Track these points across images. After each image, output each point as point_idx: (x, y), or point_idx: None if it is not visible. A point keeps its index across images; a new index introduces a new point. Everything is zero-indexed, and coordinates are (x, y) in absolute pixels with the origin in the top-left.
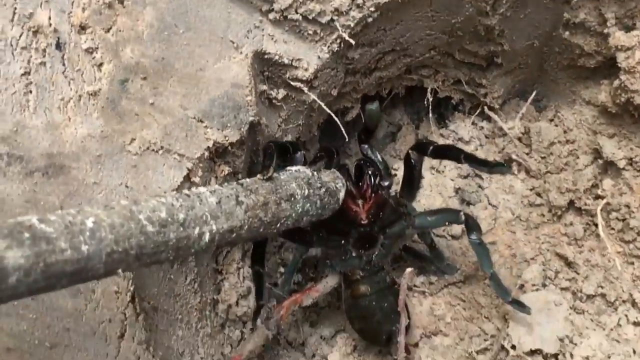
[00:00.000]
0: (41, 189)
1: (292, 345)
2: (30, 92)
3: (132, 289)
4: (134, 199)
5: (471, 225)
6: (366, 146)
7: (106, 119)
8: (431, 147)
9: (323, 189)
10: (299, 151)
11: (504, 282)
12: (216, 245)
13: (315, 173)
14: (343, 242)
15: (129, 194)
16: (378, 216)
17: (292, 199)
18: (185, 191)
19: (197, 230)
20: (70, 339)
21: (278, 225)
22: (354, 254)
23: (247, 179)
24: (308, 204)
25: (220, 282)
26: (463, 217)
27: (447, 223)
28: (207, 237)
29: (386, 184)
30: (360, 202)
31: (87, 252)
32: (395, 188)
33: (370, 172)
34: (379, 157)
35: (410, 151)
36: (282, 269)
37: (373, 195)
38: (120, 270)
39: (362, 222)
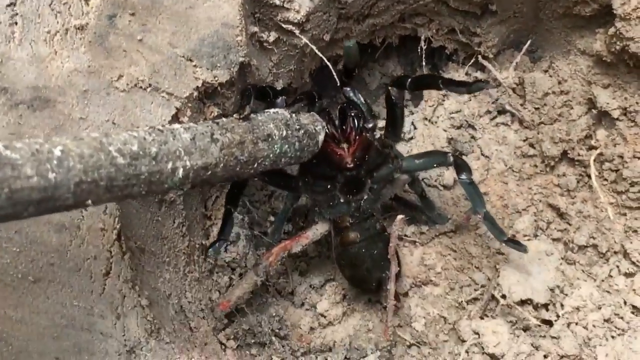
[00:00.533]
0: (26, 121)
1: (281, 294)
2: (16, 23)
3: (118, 226)
4: (105, 132)
5: (460, 165)
6: (348, 89)
7: (93, 54)
8: (409, 80)
9: (302, 131)
10: (279, 96)
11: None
12: (191, 183)
13: (293, 115)
14: (330, 187)
15: (116, 131)
16: (364, 159)
17: (270, 139)
18: (158, 127)
19: (170, 165)
20: (54, 274)
21: (255, 165)
22: (342, 200)
23: (224, 119)
24: (286, 145)
25: (209, 228)
26: (451, 159)
27: (435, 165)
28: (180, 172)
29: (370, 125)
30: (345, 145)
31: (54, 180)
32: (382, 133)
33: (352, 115)
34: (361, 99)
35: (389, 87)
36: (272, 218)
37: (357, 137)
38: (90, 201)
39: (348, 165)
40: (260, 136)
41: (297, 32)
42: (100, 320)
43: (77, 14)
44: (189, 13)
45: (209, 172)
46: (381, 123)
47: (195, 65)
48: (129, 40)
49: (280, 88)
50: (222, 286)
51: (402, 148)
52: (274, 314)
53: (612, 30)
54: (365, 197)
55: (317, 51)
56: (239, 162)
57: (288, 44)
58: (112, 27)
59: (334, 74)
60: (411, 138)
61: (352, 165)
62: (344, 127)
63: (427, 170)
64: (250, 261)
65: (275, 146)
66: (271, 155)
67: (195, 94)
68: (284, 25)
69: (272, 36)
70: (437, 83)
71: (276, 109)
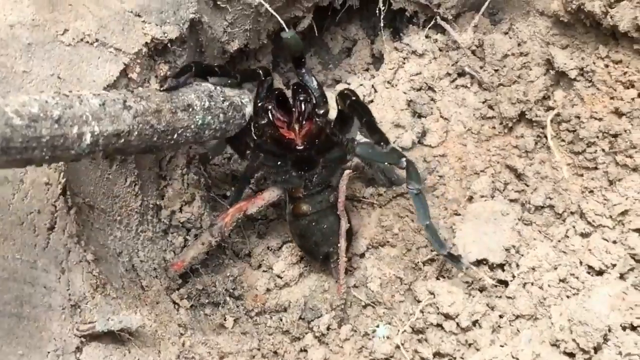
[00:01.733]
0: None
1: (238, 255)
2: None
3: (63, 181)
4: (2, 95)
5: (411, 173)
6: (303, 71)
7: (37, 7)
8: (348, 101)
9: (226, 103)
10: (228, 75)
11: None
12: (103, 151)
13: (217, 87)
14: (281, 163)
15: (61, 85)
16: (314, 143)
17: (190, 109)
18: (64, 92)
19: (75, 130)
20: None
21: (175, 135)
22: (294, 174)
23: (140, 88)
24: (209, 117)
25: (163, 188)
26: (404, 163)
27: (386, 163)
28: (88, 137)
29: (321, 111)
30: (296, 126)
31: None
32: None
33: (302, 98)
34: (314, 84)
35: (337, 97)
36: (229, 181)
37: (307, 121)
38: None
39: (298, 147)
40: (179, 106)
41: None
42: (44, 274)
43: None
44: None
45: (122, 140)
46: None
47: (144, 21)
48: None
49: (234, 49)
50: (177, 247)
51: None
52: (228, 275)
53: None
54: (318, 172)
55: (270, 10)
56: (155, 131)
57: (242, 3)
58: None
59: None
60: (371, 101)
61: (302, 148)
62: (294, 109)
63: (379, 162)
64: (205, 222)
65: (197, 117)
66: (192, 126)
67: (145, 50)
68: None
69: None
70: (361, 119)
71: (199, 82)
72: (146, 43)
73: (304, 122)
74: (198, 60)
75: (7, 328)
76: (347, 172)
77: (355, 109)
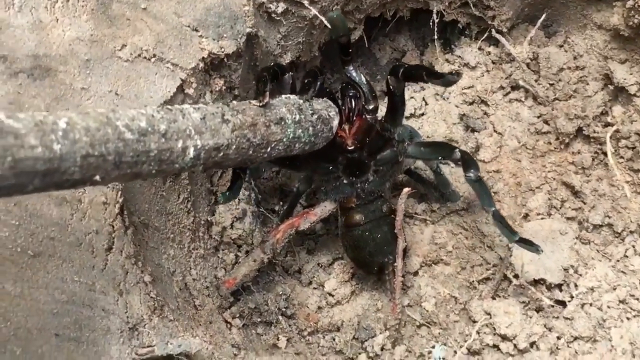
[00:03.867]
0: (26, 91)
1: (288, 272)
2: None
3: (120, 200)
4: (112, 108)
5: (467, 161)
6: (350, 67)
7: (96, 23)
8: (401, 70)
9: (315, 116)
10: (286, 73)
11: (508, 218)
12: (203, 164)
13: (306, 100)
14: (332, 168)
15: (119, 101)
16: (365, 141)
17: (283, 122)
18: (167, 106)
19: (180, 144)
20: (54, 248)
21: (269, 149)
22: (345, 181)
23: (234, 101)
24: (300, 130)
25: (214, 204)
26: (458, 154)
27: (440, 158)
28: (191, 151)
29: (371, 107)
30: (346, 127)
31: (59, 151)
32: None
33: (351, 95)
34: (363, 79)
35: (388, 77)
36: (279, 195)
37: (357, 119)
38: (98, 177)
39: (349, 147)
40: (272, 119)
41: (306, 3)
42: (102, 296)
43: None
44: None
45: (221, 154)
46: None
47: (201, 36)
48: (132, 8)
49: (286, 62)
50: (228, 264)
51: (413, 124)
52: (280, 293)
53: (630, 2)
54: (370, 179)
55: (326, 22)
56: (251, 144)
57: (297, 16)
58: None
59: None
60: (422, 114)
61: (352, 147)
62: (343, 107)
63: (432, 159)
64: (256, 238)
65: (289, 130)
66: (284, 140)
67: (201, 65)
68: None
69: (281, 7)
70: (422, 75)
71: (288, 95)
72: (203, 58)
73: (353, 119)
74: (265, 66)
75: (67, 353)
76: (405, 190)
77: (411, 73)
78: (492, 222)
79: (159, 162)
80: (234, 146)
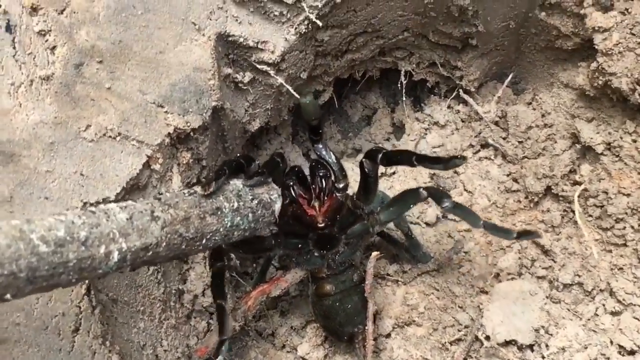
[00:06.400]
0: None
1: (261, 335)
2: None
3: (87, 281)
4: (27, 219)
5: (436, 195)
6: (320, 146)
7: (60, 105)
8: (380, 155)
9: (255, 201)
10: (253, 163)
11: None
12: (131, 266)
13: (245, 185)
14: (303, 244)
15: (84, 182)
16: (335, 219)
17: (219, 212)
18: (91, 208)
19: (102, 249)
20: (20, 333)
21: (204, 241)
22: (316, 254)
23: (167, 194)
24: (238, 218)
25: (186, 272)
26: (425, 194)
27: (412, 205)
28: (115, 255)
29: (341, 185)
30: (316, 204)
31: None
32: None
33: (321, 174)
34: (332, 157)
35: (363, 160)
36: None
37: (327, 197)
38: (9, 296)
39: (319, 225)
40: (207, 210)
41: (272, 72)
42: None
43: (42, 64)
44: (160, 58)
45: (150, 253)
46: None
47: (166, 112)
48: (96, 88)
49: (255, 129)
50: (200, 331)
51: (384, 184)
52: (253, 358)
53: (594, 65)
54: (341, 250)
55: (292, 92)
56: (184, 239)
57: (264, 84)
58: (79, 76)
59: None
60: (393, 173)
61: (323, 225)
62: (313, 186)
63: (405, 212)
64: (228, 305)
65: (226, 219)
66: (221, 229)
67: (167, 140)
68: (258, 66)
69: (247, 77)
70: (411, 160)
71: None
72: (169, 133)
73: (324, 199)
74: (228, 159)
75: None
76: (374, 254)
77: (393, 158)
78: (486, 232)
79: (79, 271)
80: (164, 243)
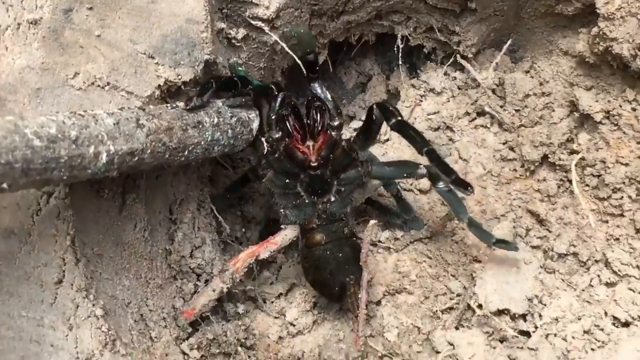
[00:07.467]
0: None
1: (249, 301)
2: None
3: (72, 232)
4: (21, 116)
5: (434, 174)
6: (316, 84)
7: (47, 50)
8: (394, 120)
9: (234, 119)
10: (249, 85)
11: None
12: (117, 169)
13: (225, 103)
14: (294, 185)
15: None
16: (329, 158)
17: (200, 126)
18: (80, 111)
19: (92, 149)
20: (1, 282)
21: (186, 152)
22: (306, 200)
23: (151, 105)
24: (218, 133)
25: (173, 232)
26: (424, 170)
27: (405, 175)
28: (104, 157)
29: (335, 123)
30: (310, 143)
31: None
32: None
33: (316, 106)
34: (328, 95)
35: (374, 107)
36: (240, 222)
37: (321, 134)
38: (5, 185)
39: (312, 164)
40: (189, 123)
41: (266, 28)
42: (51, 331)
43: (30, 8)
44: (151, 8)
45: (136, 158)
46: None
47: (157, 63)
48: (86, 36)
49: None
50: (187, 293)
51: (377, 150)
52: (240, 323)
53: (595, 30)
54: (332, 199)
55: (287, 48)
56: (167, 148)
57: (258, 41)
58: (68, 22)
59: (304, 70)
60: (387, 140)
61: (316, 164)
62: (308, 121)
63: (397, 179)
64: (216, 267)
65: (207, 133)
66: (202, 143)
67: (157, 92)
68: (253, 22)
69: (241, 33)
70: (421, 148)
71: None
72: (159, 86)
73: (318, 135)
74: (216, 75)
75: None
76: (372, 222)
77: (406, 133)
78: (468, 229)
79: (70, 168)
80: (149, 150)
